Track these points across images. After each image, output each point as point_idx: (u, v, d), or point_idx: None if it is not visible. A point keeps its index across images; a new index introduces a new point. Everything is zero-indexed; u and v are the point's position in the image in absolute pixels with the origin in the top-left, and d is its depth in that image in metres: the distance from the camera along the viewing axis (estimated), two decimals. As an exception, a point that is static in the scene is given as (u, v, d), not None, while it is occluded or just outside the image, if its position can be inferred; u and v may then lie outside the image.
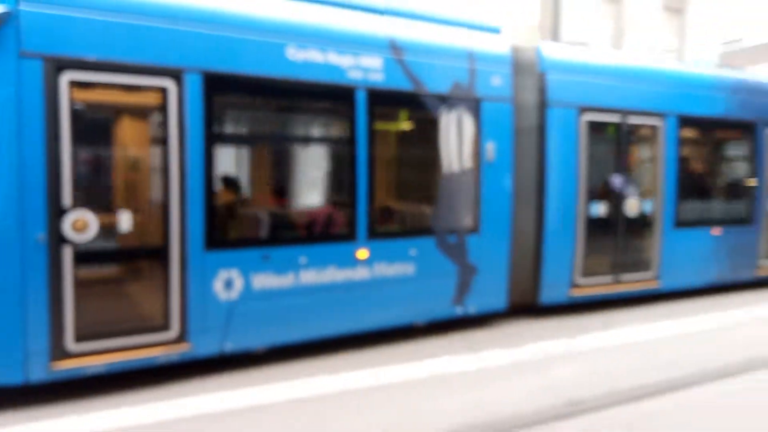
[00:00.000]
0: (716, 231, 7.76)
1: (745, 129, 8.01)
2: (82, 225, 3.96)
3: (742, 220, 8.05)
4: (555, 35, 12.08)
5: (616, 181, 6.97)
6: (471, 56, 5.74)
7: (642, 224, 7.19)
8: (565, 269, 6.49)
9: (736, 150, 8.37)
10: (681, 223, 7.36)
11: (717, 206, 8.01)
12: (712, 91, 7.66)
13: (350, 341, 5.25)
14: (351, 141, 5.12)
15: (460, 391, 4.42)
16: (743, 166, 8.23)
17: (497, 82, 5.92)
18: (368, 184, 5.15)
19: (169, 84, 4.26)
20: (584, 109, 6.52)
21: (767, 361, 5.19)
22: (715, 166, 8.36)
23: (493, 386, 4.54)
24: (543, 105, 6.26)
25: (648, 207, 7.18)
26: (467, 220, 5.81)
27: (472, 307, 5.88)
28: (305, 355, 5.02)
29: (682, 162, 7.40)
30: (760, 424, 3.99)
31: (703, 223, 7.68)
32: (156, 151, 4.39)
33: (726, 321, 6.59)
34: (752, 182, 8.15)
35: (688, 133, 7.47)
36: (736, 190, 8.21)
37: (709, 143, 8.21)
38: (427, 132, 5.63)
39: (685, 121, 7.32)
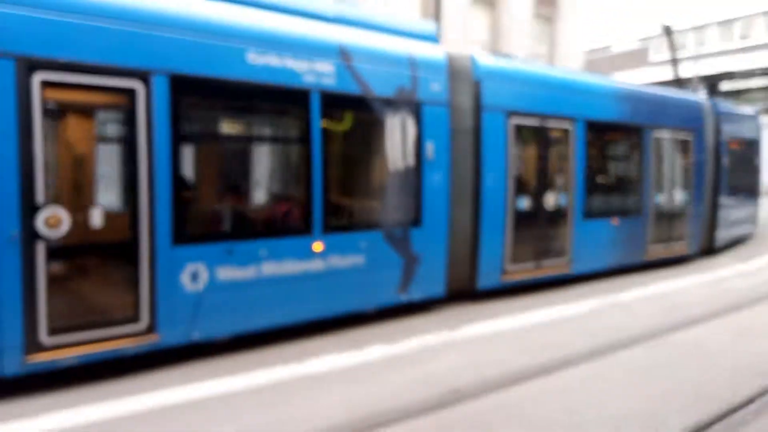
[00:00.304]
0: (615, 221, 8.89)
1: (635, 132, 9.20)
2: (54, 221, 4.08)
3: (634, 212, 9.26)
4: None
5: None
6: (413, 63, 6.29)
7: (558, 216, 8.11)
8: (497, 258, 7.24)
9: (629, 150, 9.59)
10: (588, 215, 8.37)
11: (615, 199, 9.16)
12: (611, 99, 8.77)
13: (225, 345, 5.11)
14: (306, 140, 5.50)
15: (338, 388, 4.36)
16: (634, 164, 9.44)
17: (436, 87, 6.50)
18: (322, 181, 5.56)
19: (137, 85, 4.44)
20: (511, 113, 7.27)
21: (630, 342, 5.61)
22: (614, 165, 9.53)
23: (373, 381, 4.52)
24: (478, 109, 6.93)
25: (563, 200, 8.10)
26: (410, 214, 6.36)
27: (416, 294, 6.45)
28: (180, 362, 4.83)
29: (589, 161, 8.40)
30: (625, 402, 4.21)
31: (605, 214, 8.78)
32: (125, 150, 4.54)
33: (596, 305, 7.17)
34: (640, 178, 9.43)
35: (593, 135, 8.49)
36: (629, 186, 9.41)
37: (608, 145, 9.34)
38: (374, 133, 6.11)
39: (591, 125, 8.32)
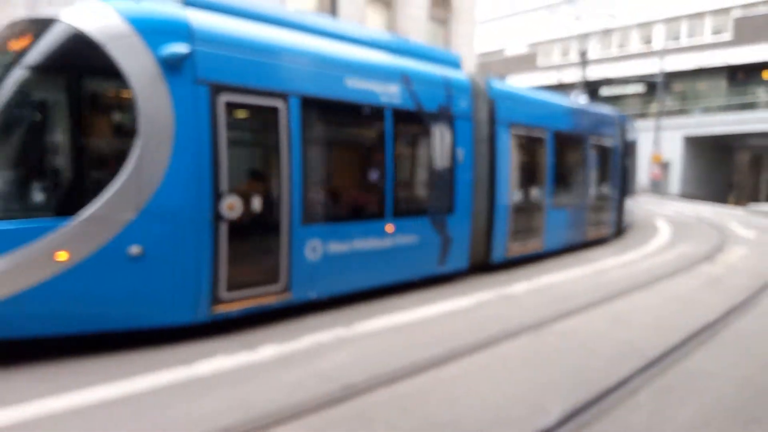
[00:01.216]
0: (570, 209, 11.26)
1: (581, 140, 11.82)
2: (232, 206, 5.45)
3: (580, 203, 11.86)
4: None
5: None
6: (448, 85, 8.02)
7: (537, 206, 10.20)
8: (503, 238, 9.17)
9: (577, 154, 11.95)
10: (555, 205, 10.67)
11: (569, 193, 11.59)
12: (569, 114, 11.42)
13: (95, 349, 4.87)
14: (382, 146, 7.12)
15: (227, 391, 4.21)
16: (580, 165, 11.91)
17: (463, 104, 8.28)
18: (393, 177, 7.18)
19: (280, 104, 5.87)
20: (512, 125, 9.22)
21: (516, 332, 5.88)
22: (568, 165, 11.70)
23: (263, 381, 4.45)
24: (493, 122, 8.82)
25: (539, 194, 10.24)
26: (447, 204, 8.10)
27: (449, 267, 8.22)
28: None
29: (555, 161, 10.59)
30: (507, 391, 4.41)
31: (564, 205, 11.19)
32: (274, 153, 5.95)
33: (487, 298, 7.48)
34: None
35: (558, 142, 10.74)
36: (577, 182, 11.88)
37: (566, 150, 11.46)
38: (424, 140, 7.81)
39: (557, 135, 10.62)
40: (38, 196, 4.70)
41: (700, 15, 35.12)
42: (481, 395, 4.32)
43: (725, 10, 34.18)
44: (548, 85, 33.42)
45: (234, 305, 5.59)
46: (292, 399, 4.05)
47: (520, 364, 5.08)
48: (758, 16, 32.10)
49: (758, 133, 30.12)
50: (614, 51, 39.86)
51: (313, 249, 6.28)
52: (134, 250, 4.82)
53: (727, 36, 33.86)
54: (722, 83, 34.83)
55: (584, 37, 29.99)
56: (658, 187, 30.99)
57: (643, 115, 35.97)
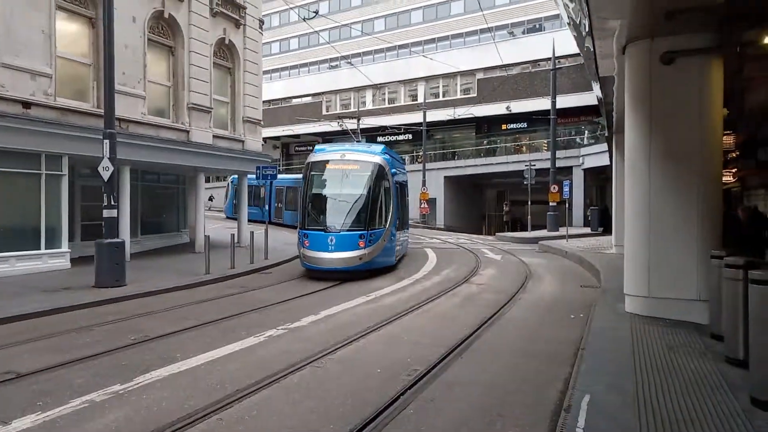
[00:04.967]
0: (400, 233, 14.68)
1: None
2: None
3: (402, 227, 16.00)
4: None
5: None
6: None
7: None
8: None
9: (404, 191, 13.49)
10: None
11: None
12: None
13: None
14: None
15: None
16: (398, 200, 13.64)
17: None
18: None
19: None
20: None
21: (299, 363, 5.98)
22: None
23: None
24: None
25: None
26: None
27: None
28: None
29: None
30: (285, 423, 4.52)
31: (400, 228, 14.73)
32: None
33: (274, 333, 8.22)
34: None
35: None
36: (403, 212, 13.24)
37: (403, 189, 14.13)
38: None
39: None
40: (379, 220, 13.51)
41: (453, 75, 41.04)
42: (260, 430, 4.38)
43: (471, 72, 40.58)
44: (332, 131, 35.38)
45: None
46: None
47: (303, 396, 5.19)
48: (494, 78, 38.80)
49: (500, 172, 36.10)
50: (386, 103, 44.44)
51: None
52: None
53: (473, 93, 40.19)
54: (472, 132, 41.14)
55: (360, 90, 32.97)
56: (426, 220, 34.72)
57: (412, 159, 40.55)
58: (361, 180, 13.39)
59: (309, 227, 13.13)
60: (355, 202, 13.22)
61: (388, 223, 13.80)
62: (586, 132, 35.84)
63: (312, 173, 13.76)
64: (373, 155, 14.13)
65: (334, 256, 12.61)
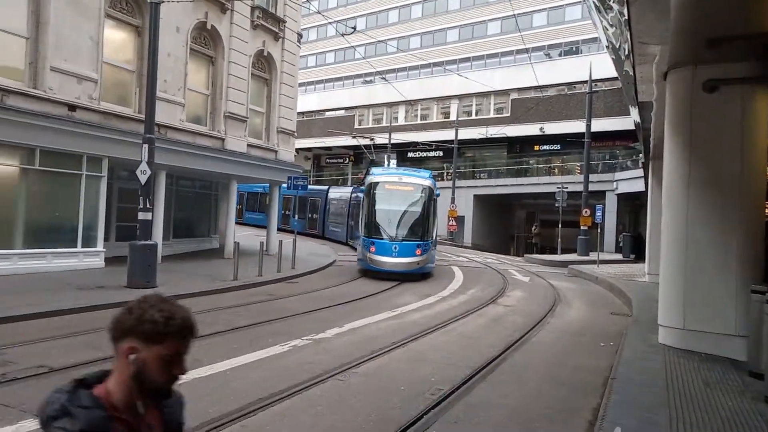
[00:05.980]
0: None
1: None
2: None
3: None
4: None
5: None
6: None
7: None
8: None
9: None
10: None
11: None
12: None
13: None
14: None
15: None
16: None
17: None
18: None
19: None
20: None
21: (322, 375, 5.90)
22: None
23: None
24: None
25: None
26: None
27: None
28: None
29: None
30: None
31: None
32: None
33: (298, 344, 7.79)
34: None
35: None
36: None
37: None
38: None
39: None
40: (429, 234, 16.55)
41: (486, 94, 40.98)
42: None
43: (505, 92, 40.46)
44: (364, 144, 35.74)
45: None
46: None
47: (326, 409, 5.16)
48: (529, 98, 38.58)
49: (531, 193, 35.69)
50: (419, 120, 44.65)
51: None
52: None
53: (506, 113, 40.01)
54: (503, 152, 40.88)
55: (393, 105, 33.04)
56: (454, 237, 34.49)
57: (441, 176, 40.44)
58: (416, 199, 16.66)
59: (374, 236, 16.08)
60: (413, 217, 16.47)
61: (434, 236, 17.05)
62: (620, 157, 35.28)
63: (374, 192, 16.73)
64: (424, 179, 17.31)
65: (396, 261, 15.62)
